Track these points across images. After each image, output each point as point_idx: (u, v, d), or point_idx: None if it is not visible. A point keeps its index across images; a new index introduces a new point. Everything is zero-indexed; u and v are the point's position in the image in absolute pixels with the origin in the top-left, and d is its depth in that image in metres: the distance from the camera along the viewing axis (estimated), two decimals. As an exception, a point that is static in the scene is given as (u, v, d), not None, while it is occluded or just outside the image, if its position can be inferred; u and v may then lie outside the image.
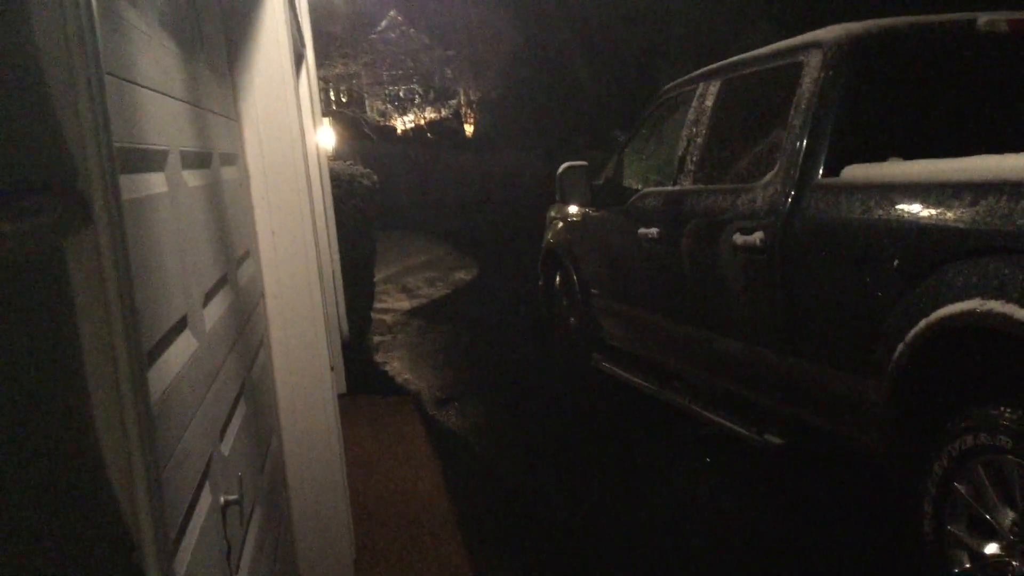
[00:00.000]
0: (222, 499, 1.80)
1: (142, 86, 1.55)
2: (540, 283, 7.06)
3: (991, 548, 2.74)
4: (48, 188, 0.95)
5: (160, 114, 1.70)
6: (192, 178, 1.97)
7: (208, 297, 2.01)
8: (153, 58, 1.68)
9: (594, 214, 5.85)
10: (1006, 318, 2.56)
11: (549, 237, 6.74)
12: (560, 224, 6.54)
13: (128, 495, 1.04)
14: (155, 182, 1.60)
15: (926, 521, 2.96)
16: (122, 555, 1.05)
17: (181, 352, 1.61)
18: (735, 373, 4.20)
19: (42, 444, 0.89)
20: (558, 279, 6.66)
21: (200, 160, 2.14)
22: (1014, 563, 2.66)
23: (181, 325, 1.66)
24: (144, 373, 1.09)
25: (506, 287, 11.18)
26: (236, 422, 2.16)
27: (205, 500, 1.66)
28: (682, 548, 3.88)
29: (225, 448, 1.96)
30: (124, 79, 1.40)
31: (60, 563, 0.91)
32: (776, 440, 3.89)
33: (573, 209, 6.19)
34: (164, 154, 1.71)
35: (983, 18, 3.74)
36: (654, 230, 4.79)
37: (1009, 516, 2.69)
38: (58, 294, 0.97)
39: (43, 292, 0.94)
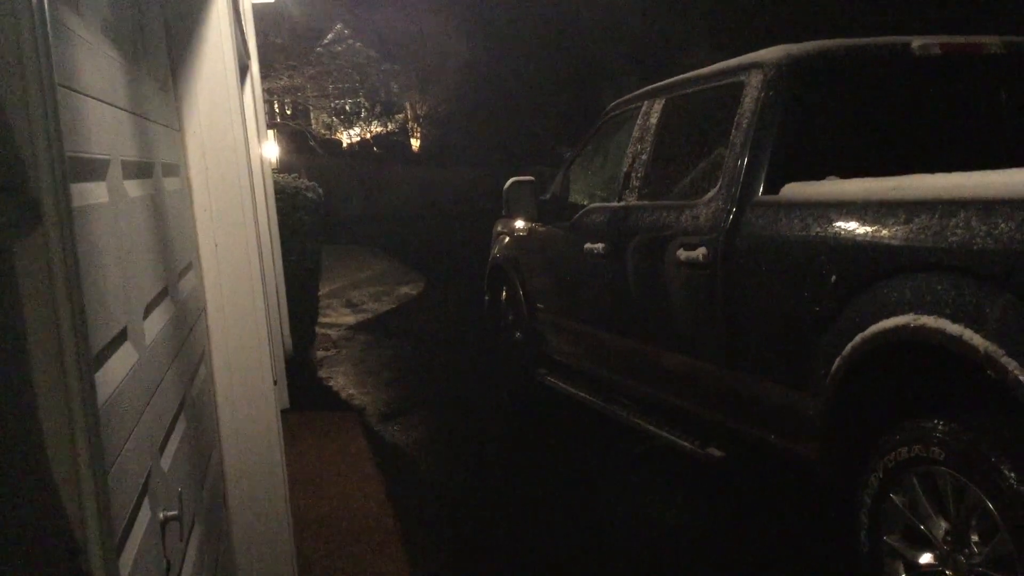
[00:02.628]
0: (161, 515, 1.77)
1: (84, 94, 1.53)
2: (486, 298, 7.05)
3: (925, 558, 2.81)
4: (0, 191, 0.96)
5: (102, 123, 1.67)
6: (133, 188, 1.94)
7: (149, 309, 1.98)
8: (95, 67, 1.66)
9: (541, 229, 5.88)
10: (938, 332, 2.64)
11: (495, 252, 6.74)
12: (507, 239, 6.56)
13: (75, 497, 1.03)
14: (96, 191, 1.57)
15: (863, 532, 3.02)
16: (68, 558, 1.03)
17: (121, 364, 1.58)
18: (678, 387, 4.25)
19: None
20: (504, 294, 6.66)
21: (142, 170, 2.11)
22: (948, 572, 2.72)
23: (121, 337, 1.64)
24: (92, 373, 1.08)
25: (452, 302, 11.16)
26: (176, 437, 2.12)
27: (144, 515, 1.64)
28: (626, 561, 3.90)
29: (165, 463, 1.93)
30: (67, 87, 1.38)
31: (7, 563, 0.89)
32: (718, 453, 3.93)
33: (520, 224, 6.21)
34: (106, 163, 1.68)
35: (917, 41, 3.86)
36: (600, 245, 4.83)
37: (943, 526, 2.75)
38: (6, 293, 0.98)
39: None
